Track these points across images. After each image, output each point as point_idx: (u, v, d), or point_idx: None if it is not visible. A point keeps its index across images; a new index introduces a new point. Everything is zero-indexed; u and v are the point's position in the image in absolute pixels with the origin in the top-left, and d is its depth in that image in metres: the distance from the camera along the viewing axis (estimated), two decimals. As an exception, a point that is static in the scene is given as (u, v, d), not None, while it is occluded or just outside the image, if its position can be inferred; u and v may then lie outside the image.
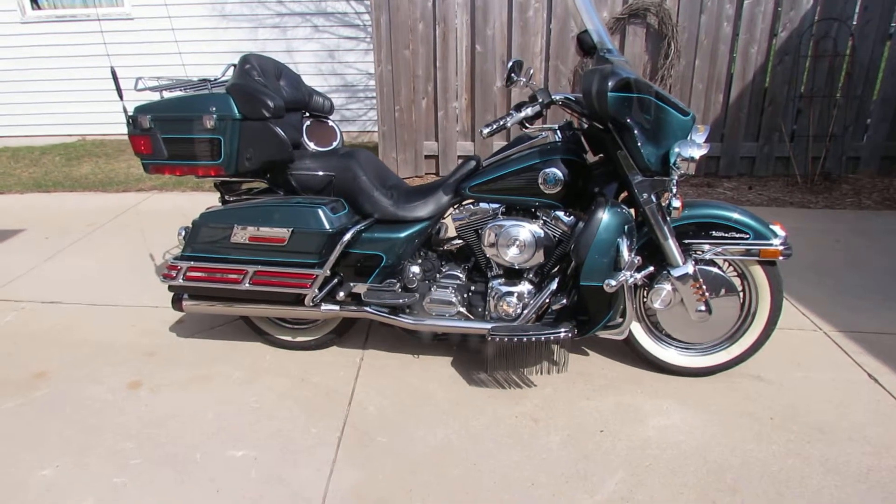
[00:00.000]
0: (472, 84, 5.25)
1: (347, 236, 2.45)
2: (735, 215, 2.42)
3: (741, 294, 2.52)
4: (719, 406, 2.47)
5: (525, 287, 2.52)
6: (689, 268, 2.38)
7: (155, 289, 3.51)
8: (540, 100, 2.34)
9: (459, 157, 5.45)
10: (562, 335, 2.38)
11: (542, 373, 2.46)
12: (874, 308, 3.19)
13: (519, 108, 2.38)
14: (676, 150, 2.23)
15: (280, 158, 2.47)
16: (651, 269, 2.36)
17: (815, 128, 5.16)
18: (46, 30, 6.95)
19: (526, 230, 2.44)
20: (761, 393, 2.55)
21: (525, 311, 2.49)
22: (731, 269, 2.56)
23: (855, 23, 4.99)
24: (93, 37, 6.86)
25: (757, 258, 2.43)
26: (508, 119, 2.34)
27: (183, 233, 2.65)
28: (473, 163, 2.58)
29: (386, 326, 2.75)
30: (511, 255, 2.45)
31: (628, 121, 2.16)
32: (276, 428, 2.37)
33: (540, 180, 2.40)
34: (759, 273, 2.48)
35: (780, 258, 2.40)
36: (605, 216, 2.25)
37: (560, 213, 2.47)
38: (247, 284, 2.50)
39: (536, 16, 5.02)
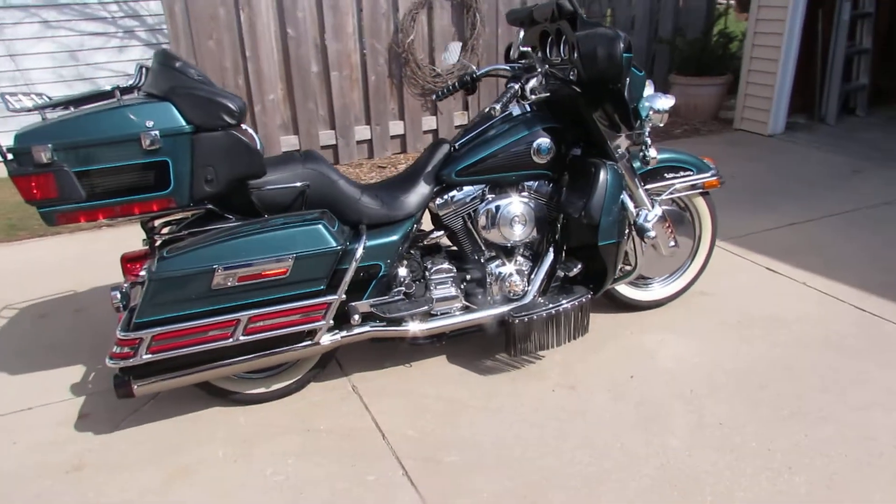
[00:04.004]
0: (287, 72, 4.85)
1: (360, 251, 2.14)
2: (681, 156, 2.72)
3: (692, 223, 2.86)
4: (697, 324, 2.80)
5: (524, 263, 2.51)
6: (659, 210, 2.61)
7: (6, 387, 2.63)
8: (539, 69, 2.31)
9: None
10: (584, 299, 2.44)
11: (567, 342, 2.49)
12: (734, 215, 3.85)
13: (517, 79, 2.32)
14: (647, 104, 2.41)
15: (252, 173, 2.04)
16: (658, 213, 2.53)
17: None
18: None
19: (521, 205, 2.42)
20: (714, 305, 2.94)
21: (532, 287, 2.48)
22: (674, 203, 2.88)
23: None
24: None
25: (701, 190, 2.77)
26: (514, 91, 2.26)
27: (119, 295, 2.04)
28: (447, 147, 2.44)
29: (351, 346, 2.50)
30: (515, 232, 2.41)
31: (627, 80, 2.26)
32: (329, 490, 2.02)
33: (533, 151, 2.38)
34: (700, 203, 2.84)
35: (719, 186, 2.77)
36: (608, 177, 2.34)
37: (542, 182, 2.50)
38: (240, 337, 2.03)
39: (344, -6, 4.82)
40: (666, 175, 2.70)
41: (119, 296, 2.04)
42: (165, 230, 2.23)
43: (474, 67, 2.70)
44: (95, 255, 3.83)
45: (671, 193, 2.72)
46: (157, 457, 2.20)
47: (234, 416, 2.38)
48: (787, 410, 2.25)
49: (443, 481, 2.04)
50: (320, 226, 2.05)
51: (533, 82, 2.27)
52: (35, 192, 1.86)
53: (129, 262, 2.20)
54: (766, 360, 2.53)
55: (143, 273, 2.15)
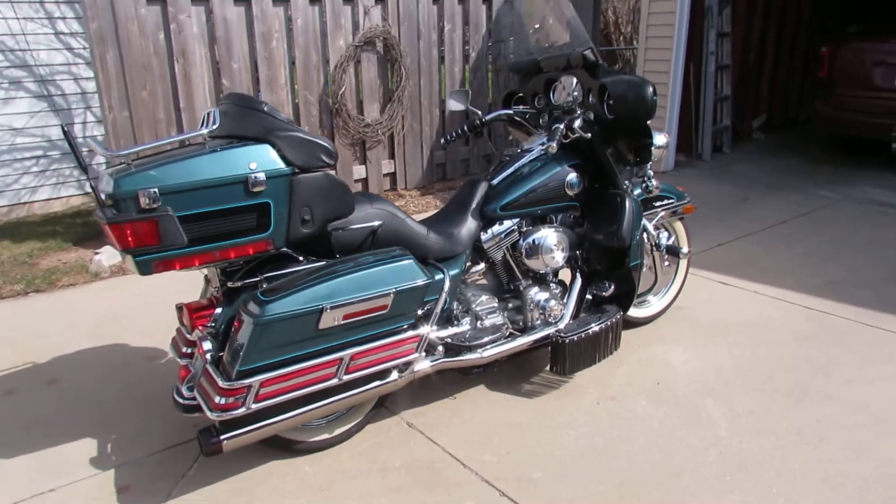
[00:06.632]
0: (222, 124, 4.75)
1: (447, 283, 2.25)
2: (664, 186, 3.14)
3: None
4: (687, 334, 3.18)
5: (557, 288, 2.74)
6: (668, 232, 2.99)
7: (10, 472, 2.32)
8: (579, 111, 2.59)
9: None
10: (620, 315, 2.71)
11: (605, 357, 2.73)
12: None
13: (559, 120, 2.58)
14: (649, 140, 2.79)
15: (344, 212, 2.09)
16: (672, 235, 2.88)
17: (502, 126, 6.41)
18: None
19: (557, 234, 2.65)
20: (693, 316, 3.36)
21: (567, 310, 2.72)
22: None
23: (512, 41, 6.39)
24: None
25: (680, 215, 3.21)
26: (561, 131, 2.51)
27: (208, 345, 1.96)
28: (484, 184, 2.63)
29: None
30: (557, 258, 2.63)
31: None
32: (439, 520, 2.06)
33: (566, 186, 2.65)
34: (678, 226, 3.27)
35: (694, 211, 3.23)
36: (633, 205, 2.66)
37: (566, 214, 2.77)
38: (343, 375, 2.04)
39: (278, 46, 4.87)
40: (654, 203, 3.10)
41: (212, 346, 1.96)
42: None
43: (480, 113, 2.94)
44: (26, 325, 3.48)
45: (659, 219, 3.12)
46: (237, 517, 2.10)
47: (297, 466, 2.33)
48: (796, 395, 2.66)
49: (541, 495, 2.17)
50: (412, 260, 2.14)
51: (578, 122, 2.56)
52: (131, 239, 1.78)
53: (196, 311, 2.12)
54: (758, 358, 2.96)
55: (210, 324, 2.09)
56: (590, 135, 2.59)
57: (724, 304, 3.49)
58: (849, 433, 2.42)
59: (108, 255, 4.16)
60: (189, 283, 3.46)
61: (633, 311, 3.17)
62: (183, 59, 4.44)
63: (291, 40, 5.00)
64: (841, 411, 2.55)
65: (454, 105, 2.92)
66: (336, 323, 1.99)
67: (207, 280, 2.29)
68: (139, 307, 3.62)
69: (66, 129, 1.75)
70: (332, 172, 2.04)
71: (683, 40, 5.94)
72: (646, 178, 2.87)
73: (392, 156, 5.76)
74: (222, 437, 1.97)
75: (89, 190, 5.72)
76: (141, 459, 2.39)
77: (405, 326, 2.17)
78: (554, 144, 2.47)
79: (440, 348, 2.37)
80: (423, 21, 5.60)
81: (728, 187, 5.70)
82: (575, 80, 2.60)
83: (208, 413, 1.90)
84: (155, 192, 1.77)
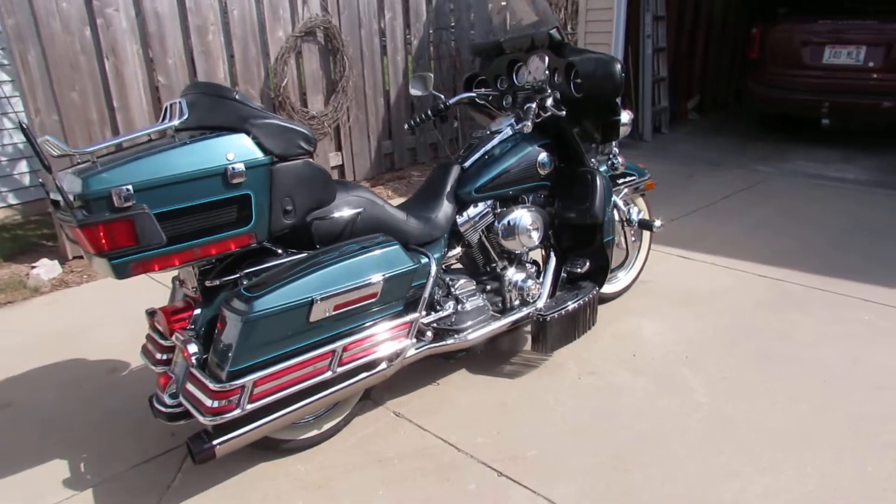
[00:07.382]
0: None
1: (433, 267, 2.24)
2: (627, 163, 3.23)
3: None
4: (654, 307, 3.30)
5: (533, 268, 2.79)
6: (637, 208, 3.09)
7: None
8: (548, 91, 2.61)
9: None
10: (596, 291, 2.78)
11: (584, 333, 2.79)
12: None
13: (531, 99, 2.60)
14: (617, 117, 2.87)
15: (327, 200, 2.06)
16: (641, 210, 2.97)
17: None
18: None
19: (531, 214, 2.69)
20: (657, 290, 3.49)
21: (544, 289, 2.77)
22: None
23: (453, 28, 6.43)
24: None
25: (642, 191, 3.31)
26: (534, 110, 2.54)
27: (194, 347, 1.89)
28: (457, 167, 2.64)
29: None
30: (533, 238, 2.67)
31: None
32: (442, 505, 2.07)
33: (538, 165, 2.69)
34: (640, 202, 3.38)
35: (654, 187, 3.34)
36: (603, 182, 2.73)
37: (537, 194, 2.81)
38: (337, 368, 2.01)
39: (215, 39, 4.72)
40: (617, 181, 3.19)
41: (198, 349, 1.90)
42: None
43: (443, 97, 2.94)
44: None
45: (623, 196, 3.21)
46: (232, 523, 2.05)
47: (290, 466, 2.29)
48: (762, 359, 2.81)
49: (538, 472, 2.21)
50: (398, 246, 2.14)
51: (550, 101, 2.59)
52: (104, 241, 1.70)
53: (173, 314, 2.05)
54: (723, 325, 3.10)
55: (189, 327, 2.03)
56: (564, 112, 2.64)
57: (686, 277, 3.63)
58: (816, 392, 2.57)
59: (47, 269, 3.95)
60: (140, 291, 3.34)
61: (604, 287, 3.25)
62: (113, 55, 4.24)
63: (229, 33, 4.86)
64: (806, 372, 2.70)
65: (416, 90, 2.91)
66: (327, 314, 1.97)
67: (180, 281, 2.22)
68: (89, 319, 3.46)
69: (25, 126, 1.65)
70: (312, 160, 2.01)
71: (622, 24, 6.11)
72: (611, 156, 2.95)
73: (339, 148, 5.70)
74: (215, 441, 1.91)
75: (18, 200, 5.41)
76: (119, 475, 2.29)
77: (395, 313, 2.16)
78: (529, 124, 2.51)
79: (428, 334, 2.37)
80: (364, 10, 5.55)
81: (673, 166, 5.91)
82: (546, 59, 2.63)
83: (201, 418, 1.84)
84: (129, 189, 1.70)
